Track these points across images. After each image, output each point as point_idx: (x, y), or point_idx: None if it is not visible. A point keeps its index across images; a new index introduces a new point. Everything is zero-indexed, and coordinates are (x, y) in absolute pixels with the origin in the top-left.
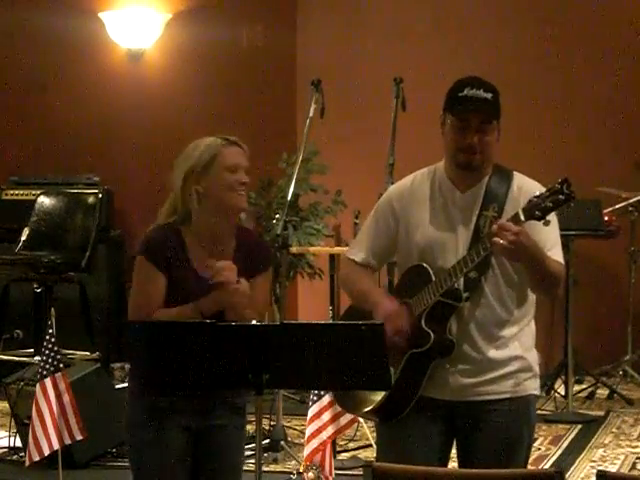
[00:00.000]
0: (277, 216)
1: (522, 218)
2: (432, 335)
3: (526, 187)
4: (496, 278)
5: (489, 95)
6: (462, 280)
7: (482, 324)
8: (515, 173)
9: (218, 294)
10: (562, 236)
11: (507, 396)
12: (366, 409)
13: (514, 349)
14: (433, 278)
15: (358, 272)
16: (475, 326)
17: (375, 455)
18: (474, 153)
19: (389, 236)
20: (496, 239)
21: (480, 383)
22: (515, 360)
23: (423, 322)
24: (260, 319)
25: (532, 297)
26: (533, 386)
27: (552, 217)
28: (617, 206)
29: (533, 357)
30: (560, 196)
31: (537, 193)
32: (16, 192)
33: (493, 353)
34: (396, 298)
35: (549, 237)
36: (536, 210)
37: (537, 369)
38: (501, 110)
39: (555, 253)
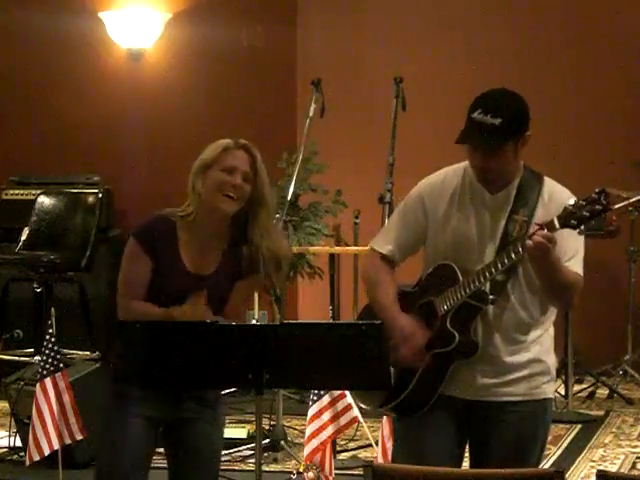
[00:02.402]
0: (277, 216)
1: (557, 226)
2: (457, 336)
3: (556, 194)
4: (520, 283)
5: (497, 121)
6: (488, 283)
7: (505, 327)
8: (546, 178)
9: (188, 308)
10: None
11: (525, 398)
12: (384, 406)
13: (535, 352)
14: (460, 278)
15: (382, 275)
16: (499, 329)
17: (392, 453)
18: (483, 172)
19: (417, 230)
20: (529, 242)
21: (499, 384)
22: (535, 363)
23: (448, 323)
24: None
25: None
26: (550, 389)
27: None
28: (617, 206)
29: (552, 361)
30: (597, 206)
31: (572, 202)
32: (16, 192)
33: (514, 355)
34: (419, 296)
35: (572, 246)
36: (572, 219)
37: (554, 373)
38: (521, 127)
39: (574, 264)
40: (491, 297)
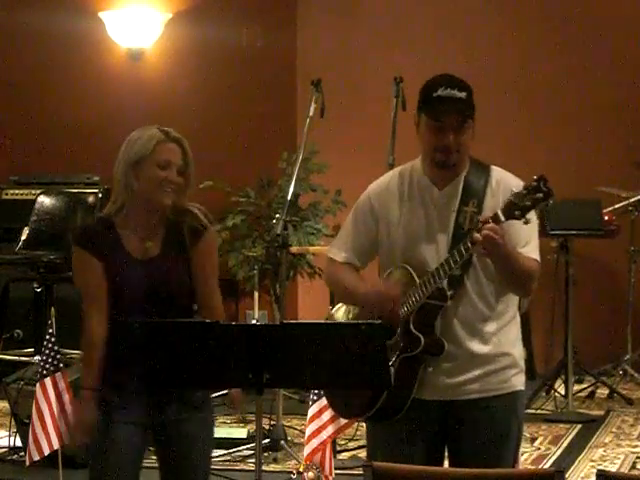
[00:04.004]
0: (277, 216)
1: (502, 218)
2: (423, 339)
3: (505, 181)
4: (477, 274)
5: (463, 94)
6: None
7: (465, 321)
8: (493, 167)
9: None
10: (562, 236)
11: (494, 393)
12: (360, 415)
13: (499, 345)
14: (417, 280)
15: (341, 270)
16: (459, 323)
17: (366, 458)
18: (450, 152)
19: (369, 235)
20: (477, 236)
21: (467, 381)
22: (501, 356)
23: (412, 326)
24: (212, 284)
25: None
26: (520, 381)
27: (531, 214)
28: (617, 206)
29: (519, 352)
30: (538, 194)
31: (515, 191)
32: (16, 192)
33: (478, 349)
34: None
35: (525, 233)
36: (515, 210)
37: (522, 364)
38: (475, 108)
39: (530, 250)
40: (450, 293)
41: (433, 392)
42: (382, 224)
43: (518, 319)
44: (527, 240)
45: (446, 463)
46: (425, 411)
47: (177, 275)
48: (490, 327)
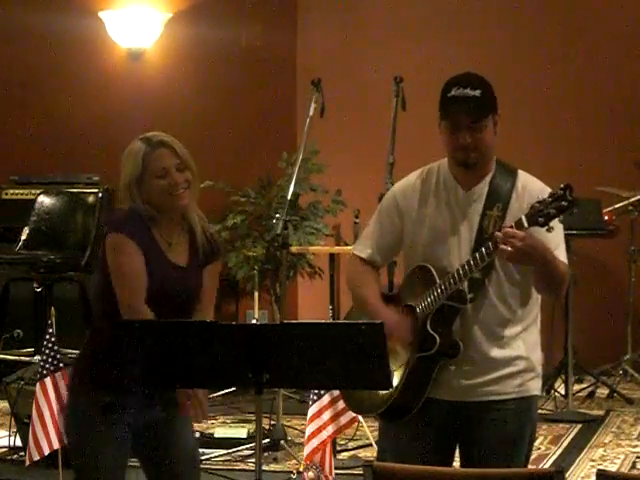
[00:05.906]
0: (277, 216)
1: (525, 225)
2: (438, 339)
3: (530, 186)
4: (499, 278)
5: (477, 92)
6: (466, 282)
7: (485, 324)
8: (519, 171)
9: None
10: None
11: (510, 397)
12: (373, 412)
13: (518, 349)
14: (437, 280)
15: (365, 275)
16: (478, 326)
17: (376, 454)
18: (469, 151)
19: (394, 233)
20: (503, 247)
21: (483, 384)
22: (519, 360)
23: (429, 326)
24: (208, 306)
25: (536, 295)
26: (536, 386)
27: (555, 222)
28: (617, 205)
29: (537, 357)
30: (563, 202)
31: (539, 198)
32: (16, 192)
33: (496, 353)
34: (399, 299)
35: (552, 239)
36: (539, 217)
37: (540, 369)
38: (496, 103)
39: (559, 254)
40: (470, 296)
41: (447, 392)
42: (407, 222)
43: (539, 323)
44: (555, 245)
45: (456, 464)
46: (436, 411)
47: (200, 286)
48: (510, 331)
